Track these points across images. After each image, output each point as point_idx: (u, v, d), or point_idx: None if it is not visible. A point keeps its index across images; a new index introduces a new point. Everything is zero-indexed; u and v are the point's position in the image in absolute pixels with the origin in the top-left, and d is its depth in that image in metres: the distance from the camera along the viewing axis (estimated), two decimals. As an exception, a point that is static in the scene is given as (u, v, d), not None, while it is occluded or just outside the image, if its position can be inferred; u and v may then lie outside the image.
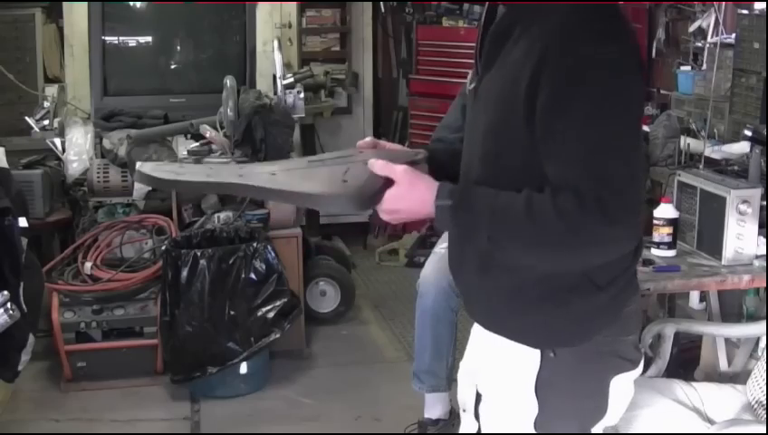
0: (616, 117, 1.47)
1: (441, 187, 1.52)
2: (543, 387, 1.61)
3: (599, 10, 1.51)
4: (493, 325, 1.68)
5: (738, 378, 2.57)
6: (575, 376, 1.62)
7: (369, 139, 1.68)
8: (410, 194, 1.53)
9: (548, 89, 1.47)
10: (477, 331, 1.78)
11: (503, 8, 1.64)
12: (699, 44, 4.01)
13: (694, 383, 2.37)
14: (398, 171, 1.53)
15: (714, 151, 3.37)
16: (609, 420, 1.69)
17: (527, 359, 1.62)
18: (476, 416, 1.78)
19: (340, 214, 4.12)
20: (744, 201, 2.56)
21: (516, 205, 1.47)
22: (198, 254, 3.45)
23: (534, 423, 1.63)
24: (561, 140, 1.47)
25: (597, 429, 1.68)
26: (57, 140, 4.29)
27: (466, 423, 1.87)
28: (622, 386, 1.66)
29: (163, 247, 3.64)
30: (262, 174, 1.64)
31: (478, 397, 1.76)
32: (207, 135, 3.93)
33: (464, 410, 1.89)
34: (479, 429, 1.78)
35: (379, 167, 1.55)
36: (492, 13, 1.69)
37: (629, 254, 1.60)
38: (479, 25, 1.72)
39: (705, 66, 3.94)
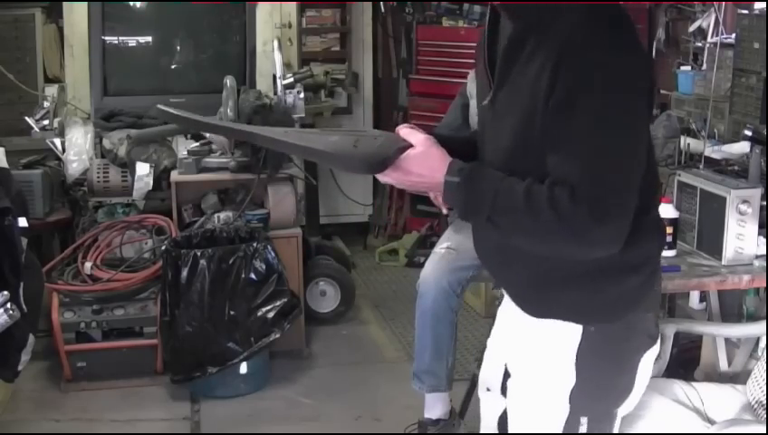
0: (622, 124, 1.53)
1: (452, 163, 1.60)
2: (582, 359, 1.69)
3: (614, 22, 1.59)
4: (537, 309, 1.74)
5: (738, 378, 2.57)
6: (612, 351, 1.70)
7: (406, 125, 1.70)
8: (426, 160, 1.60)
9: (561, 87, 1.51)
10: (508, 310, 1.83)
11: (509, 20, 1.66)
12: (699, 44, 4.01)
13: (694, 383, 2.37)
14: (420, 137, 1.62)
15: (714, 151, 3.37)
16: (633, 399, 1.77)
17: (568, 333, 1.69)
18: (503, 393, 1.87)
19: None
20: (744, 201, 2.55)
21: (517, 191, 1.54)
22: (198, 254, 3.45)
23: (570, 394, 1.70)
24: (567, 137, 1.53)
25: (623, 408, 1.76)
26: (57, 140, 4.29)
27: (490, 403, 1.95)
28: (646, 364, 1.75)
29: (163, 247, 3.64)
30: (275, 129, 1.75)
31: (506, 375, 1.84)
32: (207, 135, 3.93)
33: (487, 389, 1.97)
34: (505, 407, 1.85)
35: (405, 131, 1.64)
36: (494, 23, 1.72)
37: (658, 238, 1.75)
38: (482, 36, 1.74)
39: (705, 66, 3.94)
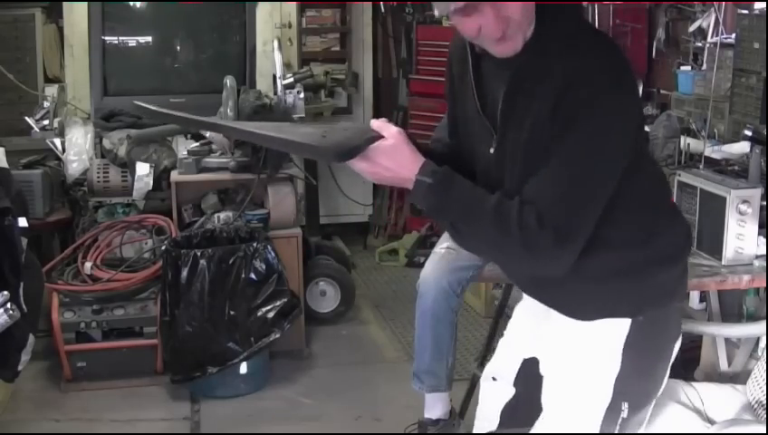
0: (601, 160, 1.61)
1: (426, 163, 1.62)
2: (629, 348, 1.75)
3: (611, 62, 1.62)
4: (586, 314, 1.79)
5: (738, 378, 2.57)
6: (655, 339, 1.79)
7: (382, 119, 1.71)
8: (396, 154, 1.62)
9: (554, 122, 1.59)
10: (533, 308, 1.89)
11: (504, 69, 1.67)
12: (699, 44, 4.01)
13: (694, 383, 2.37)
14: (392, 130, 1.63)
15: (714, 151, 3.37)
16: (660, 389, 1.86)
17: (618, 327, 1.76)
18: (515, 384, 1.96)
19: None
20: (744, 201, 2.55)
21: (487, 203, 1.60)
22: (198, 254, 3.45)
23: (614, 381, 1.76)
24: (547, 162, 1.60)
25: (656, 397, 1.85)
26: (57, 140, 4.29)
27: (496, 391, 2.00)
28: (675, 353, 1.85)
29: (163, 247, 3.64)
30: (248, 123, 1.82)
31: (527, 368, 1.92)
32: (207, 135, 3.93)
33: (493, 379, 2.03)
34: (514, 395, 1.96)
35: (377, 123, 1.64)
36: (477, 65, 1.74)
37: (683, 226, 1.85)
38: (469, 78, 1.76)
39: (705, 66, 3.94)
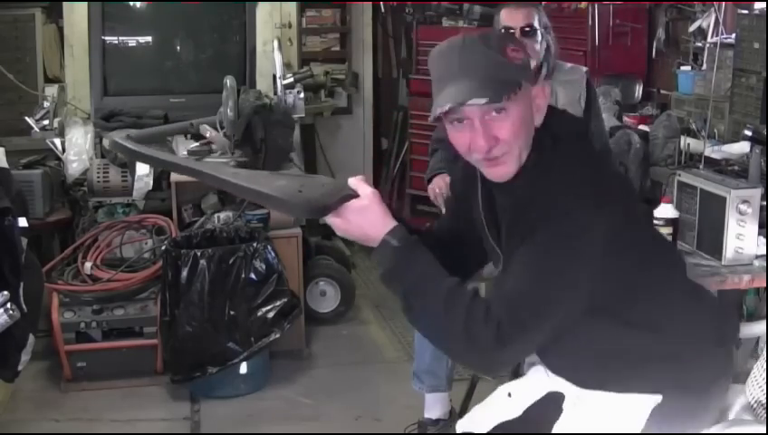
0: (563, 266, 1.62)
1: (398, 227, 1.67)
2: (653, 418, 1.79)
3: (597, 176, 1.70)
4: (609, 387, 1.81)
5: (738, 378, 2.56)
6: (682, 417, 1.82)
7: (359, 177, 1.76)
8: (368, 213, 1.66)
9: (531, 226, 1.65)
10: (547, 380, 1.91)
11: (506, 196, 1.75)
12: (699, 44, 4.01)
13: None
14: (367, 190, 1.67)
15: (714, 151, 3.37)
16: None
17: (645, 399, 1.79)
18: (527, 409, 1.96)
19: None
20: (744, 201, 2.55)
21: (443, 284, 1.64)
22: (198, 254, 3.45)
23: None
24: (513, 260, 1.68)
25: None
26: (57, 140, 4.29)
27: (504, 406, 1.99)
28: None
29: (163, 247, 3.64)
30: (225, 169, 1.81)
31: (548, 398, 1.93)
32: (207, 135, 3.93)
33: (509, 395, 2.02)
34: (519, 417, 1.95)
35: (354, 181, 1.69)
36: (489, 195, 1.81)
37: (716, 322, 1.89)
38: (477, 203, 1.84)
39: (705, 66, 3.94)
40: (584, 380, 1.84)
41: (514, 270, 1.68)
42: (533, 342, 1.68)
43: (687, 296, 1.86)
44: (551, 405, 1.91)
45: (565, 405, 1.89)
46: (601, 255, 1.64)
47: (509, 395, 2.01)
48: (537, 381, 1.99)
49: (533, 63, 3.16)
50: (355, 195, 1.66)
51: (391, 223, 1.66)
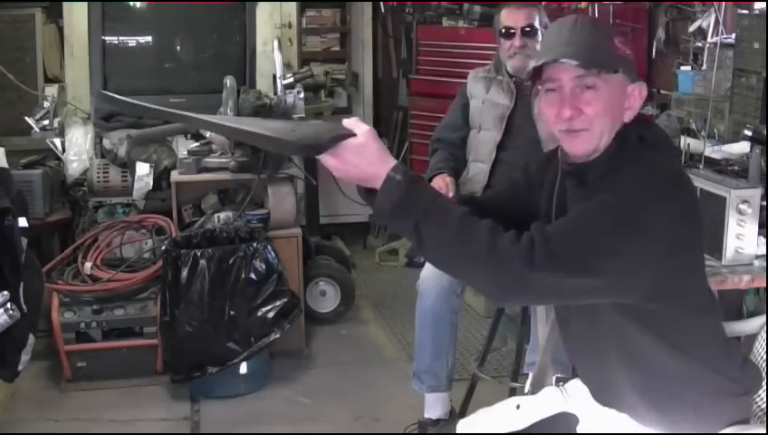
0: (613, 235, 1.59)
1: (399, 164, 1.61)
2: None
3: (669, 178, 1.69)
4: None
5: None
6: None
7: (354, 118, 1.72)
8: (366, 151, 1.59)
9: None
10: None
11: (582, 187, 1.76)
12: (699, 44, 4.01)
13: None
14: (363, 128, 1.60)
15: (714, 151, 3.36)
16: None
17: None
18: (534, 425, 1.94)
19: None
20: (744, 201, 2.55)
21: (455, 212, 1.60)
22: (198, 254, 3.45)
23: None
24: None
25: None
26: (57, 140, 4.29)
27: (510, 417, 1.98)
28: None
29: (163, 247, 3.64)
30: (215, 116, 1.79)
31: (560, 418, 1.92)
32: (207, 135, 3.93)
33: (517, 407, 2.00)
34: (522, 431, 1.93)
35: (349, 121, 1.62)
36: (562, 182, 1.82)
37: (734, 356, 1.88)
38: (551, 192, 1.85)
39: (705, 66, 3.94)
40: (605, 398, 1.85)
41: (561, 218, 1.67)
42: (560, 283, 1.58)
43: (721, 340, 1.86)
44: (561, 425, 1.91)
45: (579, 430, 1.89)
46: (658, 249, 1.63)
47: (517, 407, 2.00)
48: (551, 401, 1.98)
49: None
50: (351, 134, 1.59)
51: (391, 160, 1.61)
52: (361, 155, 1.58)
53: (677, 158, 2.01)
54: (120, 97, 1.83)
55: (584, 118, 1.69)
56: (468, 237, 1.56)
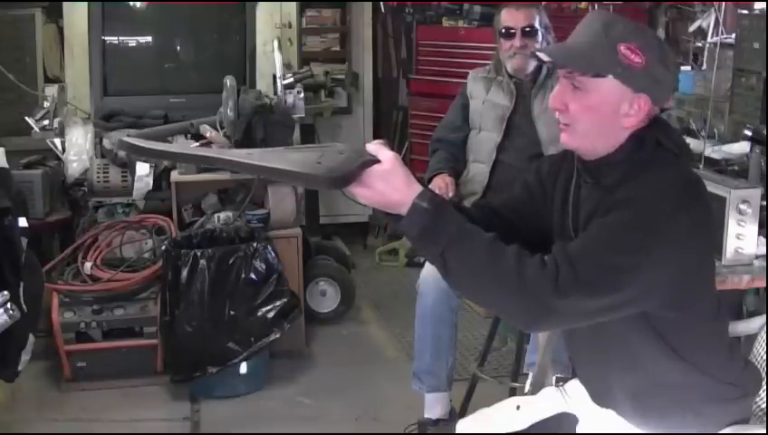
0: (636, 250, 1.59)
1: (425, 190, 1.60)
2: None
3: (687, 186, 1.70)
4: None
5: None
6: None
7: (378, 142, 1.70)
8: (392, 178, 1.57)
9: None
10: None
11: (598, 190, 1.75)
12: (699, 44, 4.01)
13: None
14: (388, 154, 1.59)
15: (714, 151, 3.36)
16: None
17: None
18: (533, 425, 1.95)
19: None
20: (744, 201, 2.55)
21: (483, 239, 1.58)
22: (198, 254, 3.45)
23: None
24: (583, 234, 1.67)
25: None
26: (57, 140, 4.29)
27: (509, 418, 1.98)
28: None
29: (163, 247, 3.64)
30: (238, 152, 1.71)
31: (559, 418, 1.94)
32: (207, 135, 3.93)
33: (517, 407, 2.01)
34: (521, 431, 1.94)
35: (372, 147, 1.61)
36: (577, 189, 1.82)
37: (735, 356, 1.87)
38: (568, 197, 1.84)
39: (705, 66, 3.94)
40: (603, 400, 1.85)
41: (581, 236, 1.66)
42: (587, 305, 1.58)
43: (725, 345, 1.86)
44: (561, 424, 1.91)
45: (579, 430, 1.89)
46: (676, 259, 1.62)
47: (517, 407, 2.00)
48: (551, 401, 1.98)
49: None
50: (376, 160, 1.58)
51: (417, 187, 1.59)
52: (387, 181, 1.57)
53: (693, 161, 2.00)
54: (142, 145, 1.74)
55: (565, 115, 1.72)
56: (495, 266, 1.55)
